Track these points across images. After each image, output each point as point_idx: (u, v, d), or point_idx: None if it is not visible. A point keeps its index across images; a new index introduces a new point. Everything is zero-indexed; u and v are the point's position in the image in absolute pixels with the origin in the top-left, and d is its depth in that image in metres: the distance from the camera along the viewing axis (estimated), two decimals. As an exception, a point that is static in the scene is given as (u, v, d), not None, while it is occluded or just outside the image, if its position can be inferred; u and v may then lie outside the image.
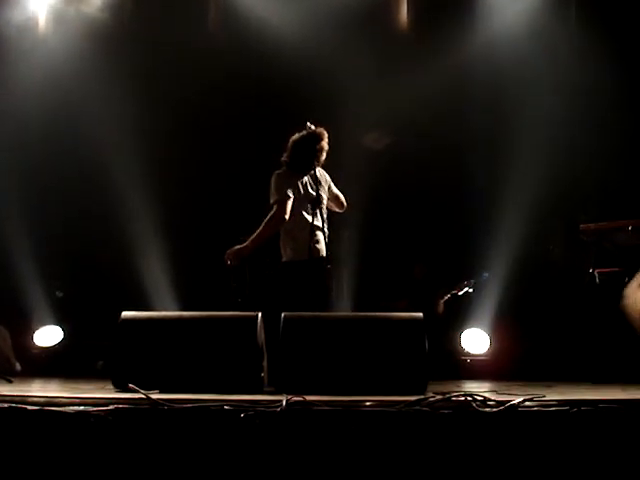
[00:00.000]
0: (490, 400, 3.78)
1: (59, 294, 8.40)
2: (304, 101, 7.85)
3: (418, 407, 3.70)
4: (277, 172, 5.70)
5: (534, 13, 8.18)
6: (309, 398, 3.75)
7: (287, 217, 5.56)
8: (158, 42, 8.42)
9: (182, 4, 8.40)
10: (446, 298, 8.09)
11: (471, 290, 8.07)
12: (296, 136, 5.75)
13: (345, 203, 5.99)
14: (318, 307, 5.48)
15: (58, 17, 8.25)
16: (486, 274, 8.01)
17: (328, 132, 5.74)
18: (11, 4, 7.97)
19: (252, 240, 5.67)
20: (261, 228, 5.65)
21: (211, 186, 8.64)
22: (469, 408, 3.69)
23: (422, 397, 3.87)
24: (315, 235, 5.64)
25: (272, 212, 5.61)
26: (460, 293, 8.11)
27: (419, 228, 8.59)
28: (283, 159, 5.72)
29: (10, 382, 5.53)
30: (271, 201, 5.63)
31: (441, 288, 8.17)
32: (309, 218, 5.63)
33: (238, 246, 5.71)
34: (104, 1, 8.25)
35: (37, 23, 8.15)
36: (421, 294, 8.05)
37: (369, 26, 8.29)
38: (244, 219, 8.19)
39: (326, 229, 5.68)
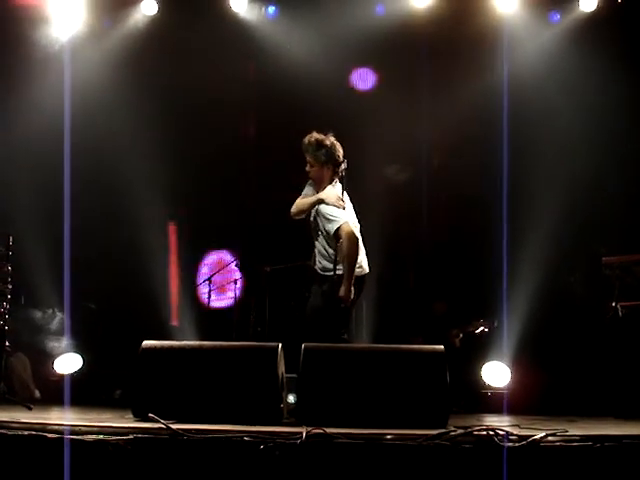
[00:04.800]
0: (512, 435, 3.74)
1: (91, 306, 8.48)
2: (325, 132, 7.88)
3: (439, 441, 3.66)
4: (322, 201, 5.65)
5: (554, 47, 8.20)
6: (329, 430, 3.72)
7: (356, 234, 5.56)
8: (187, 68, 8.51)
9: (212, 37, 8.45)
10: (461, 337, 8.03)
11: (487, 329, 8.01)
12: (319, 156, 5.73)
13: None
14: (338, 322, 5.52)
15: (86, 43, 8.32)
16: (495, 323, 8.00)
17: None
18: (40, 29, 8.07)
19: (349, 275, 5.52)
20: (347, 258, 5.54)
21: (233, 216, 8.70)
22: (491, 443, 3.65)
23: (443, 431, 3.83)
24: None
25: (343, 240, 5.51)
26: (477, 331, 8.06)
27: (439, 264, 8.57)
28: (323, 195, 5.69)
29: (30, 409, 5.55)
30: (333, 231, 5.55)
31: (456, 326, 8.11)
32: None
33: (343, 290, 5.49)
34: (134, 29, 8.35)
35: (65, 49, 8.21)
36: (437, 331, 7.99)
37: (392, 60, 8.33)
38: (263, 249, 8.31)
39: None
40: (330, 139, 5.69)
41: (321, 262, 5.69)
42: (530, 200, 7.99)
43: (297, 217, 5.86)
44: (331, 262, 5.57)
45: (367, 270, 5.75)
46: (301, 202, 5.83)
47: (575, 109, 7.96)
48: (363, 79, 8.72)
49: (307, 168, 5.75)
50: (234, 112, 8.69)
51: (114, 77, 8.17)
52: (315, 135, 5.71)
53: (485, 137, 8.49)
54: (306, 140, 5.72)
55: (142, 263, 8.18)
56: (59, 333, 7.98)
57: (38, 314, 7.96)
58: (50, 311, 7.99)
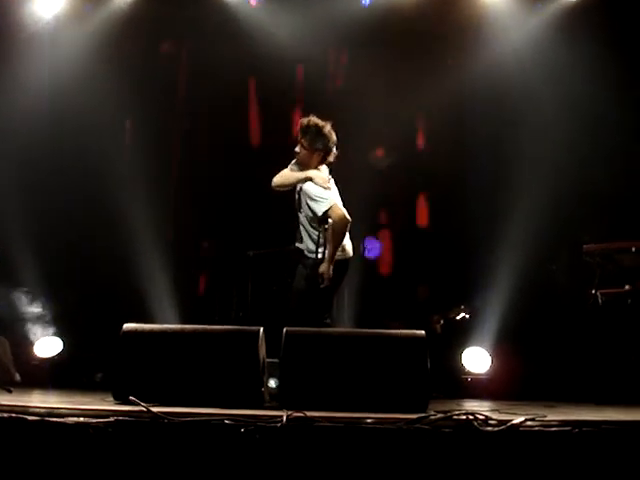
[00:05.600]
0: (491, 419, 3.77)
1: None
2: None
3: (419, 425, 3.69)
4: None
5: (540, 35, 8.19)
6: (310, 414, 3.73)
7: (347, 216, 5.53)
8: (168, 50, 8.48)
9: (194, 20, 8.39)
10: (442, 322, 8.05)
11: (468, 316, 8.05)
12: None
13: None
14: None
15: (69, 23, 8.24)
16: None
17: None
18: (21, 8, 7.98)
19: (332, 255, 5.52)
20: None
21: (215, 202, 8.67)
22: (470, 427, 3.68)
23: (423, 415, 3.85)
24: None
25: (334, 221, 5.50)
26: (458, 317, 8.09)
27: (422, 250, 8.58)
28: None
29: (10, 392, 5.52)
30: (321, 212, 5.53)
31: (436, 312, 8.14)
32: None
33: (324, 267, 5.51)
34: (117, 11, 8.27)
35: (48, 27, 8.13)
36: (417, 316, 8.02)
37: (375, 46, 8.31)
38: (246, 234, 8.30)
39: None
40: (328, 127, 5.61)
41: (306, 242, 5.67)
42: (514, 188, 7.99)
43: (278, 189, 5.80)
44: (314, 243, 5.56)
45: (351, 254, 5.74)
46: (288, 174, 5.75)
47: (562, 99, 7.95)
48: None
49: (297, 149, 5.67)
50: (218, 95, 8.64)
51: (96, 58, 8.10)
52: (314, 120, 5.61)
53: (470, 125, 8.50)
54: (305, 122, 5.62)
55: (124, 246, 8.13)
56: (41, 318, 7.95)
57: (20, 298, 7.92)
58: (31, 295, 7.95)
